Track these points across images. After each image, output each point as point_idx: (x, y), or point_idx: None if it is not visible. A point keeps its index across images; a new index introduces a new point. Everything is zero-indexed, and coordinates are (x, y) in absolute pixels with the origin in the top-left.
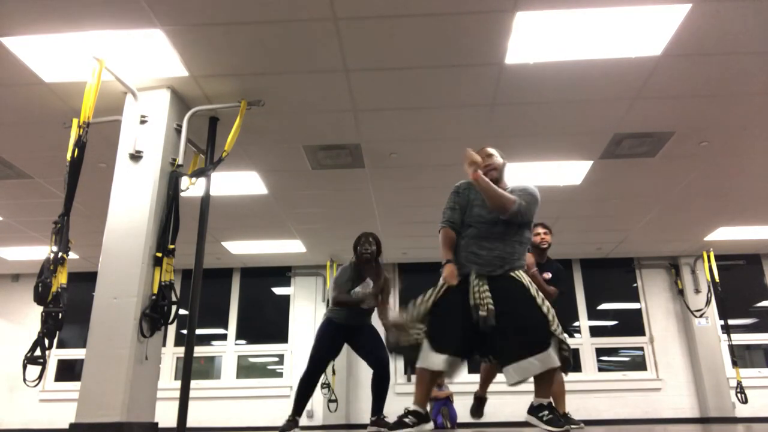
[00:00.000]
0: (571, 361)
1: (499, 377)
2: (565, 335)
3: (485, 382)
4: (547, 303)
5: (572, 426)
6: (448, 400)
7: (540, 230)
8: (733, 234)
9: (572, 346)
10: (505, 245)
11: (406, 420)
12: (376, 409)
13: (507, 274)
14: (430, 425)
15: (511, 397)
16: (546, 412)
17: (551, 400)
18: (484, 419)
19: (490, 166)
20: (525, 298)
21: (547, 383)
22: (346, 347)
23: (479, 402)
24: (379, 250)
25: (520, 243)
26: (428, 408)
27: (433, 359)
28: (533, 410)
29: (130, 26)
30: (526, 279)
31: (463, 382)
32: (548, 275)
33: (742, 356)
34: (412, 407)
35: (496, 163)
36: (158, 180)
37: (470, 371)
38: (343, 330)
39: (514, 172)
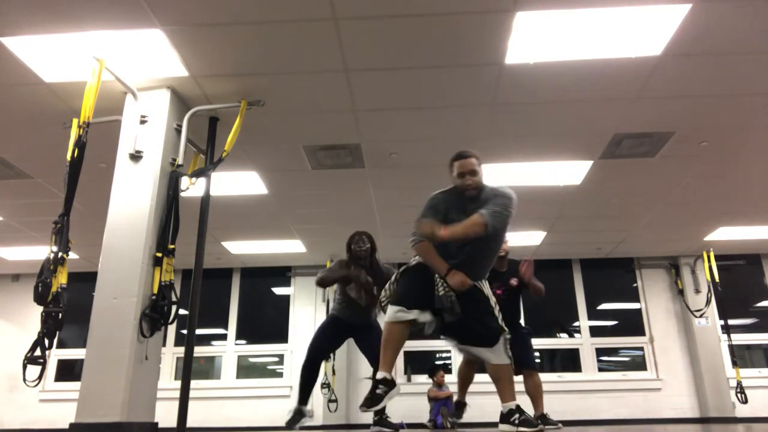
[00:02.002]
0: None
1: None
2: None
3: (463, 387)
4: (498, 314)
5: (549, 426)
6: (448, 400)
7: None
8: (733, 234)
9: (572, 346)
10: (475, 260)
11: (379, 391)
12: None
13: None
14: (398, 389)
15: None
16: (517, 416)
17: (517, 402)
18: (484, 419)
19: (471, 185)
20: (485, 310)
21: (508, 386)
22: (347, 345)
23: (459, 406)
24: (374, 248)
25: (490, 251)
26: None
27: (401, 314)
28: (504, 417)
29: (130, 26)
30: (486, 290)
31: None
32: (515, 281)
33: (742, 356)
34: (380, 375)
35: (476, 182)
36: (158, 180)
37: None
38: (346, 326)
39: (515, 172)
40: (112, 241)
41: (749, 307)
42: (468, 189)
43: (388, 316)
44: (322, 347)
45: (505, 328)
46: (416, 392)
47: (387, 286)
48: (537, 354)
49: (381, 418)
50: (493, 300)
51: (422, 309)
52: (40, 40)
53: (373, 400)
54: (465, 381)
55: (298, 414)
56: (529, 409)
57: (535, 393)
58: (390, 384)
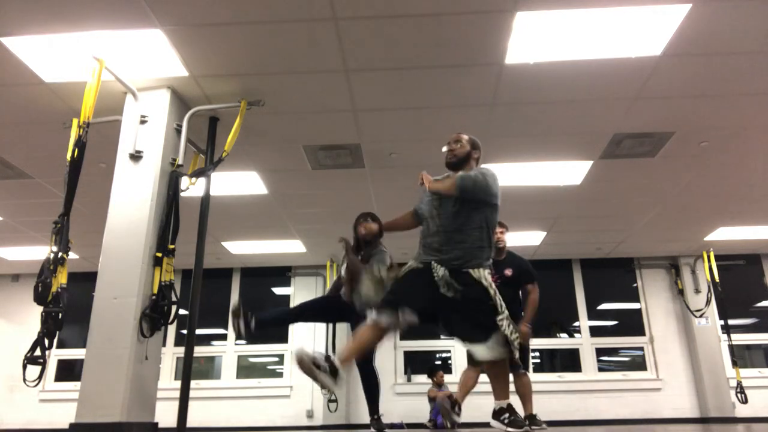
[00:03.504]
0: (517, 359)
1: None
2: (512, 333)
3: (462, 389)
4: (500, 305)
5: (535, 427)
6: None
7: (496, 229)
8: (733, 234)
9: (572, 346)
10: (447, 232)
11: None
12: (372, 409)
13: (465, 270)
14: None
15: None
16: (507, 415)
17: (509, 401)
18: (485, 419)
19: (453, 151)
20: (482, 298)
21: (503, 384)
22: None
23: (453, 403)
24: (381, 232)
25: (461, 225)
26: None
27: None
28: (495, 414)
29: (130, 26)
30: (485, 281)
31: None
32: (509, 272)
33: (742, 356)
34: (335, 359)
35: (457, 151)
36: (158, 180)
37: None
38: (342, 303)
39: (515, 172)
40: (112, 241)
41: (749, 307)
42: (451, 155)
43: (378, 314)
44: (316, 307)
45: (501, 324)
46: (416, 392)
47: (377, 268)
48: (537, 354)
49: (373, 419)
50: (492, 291)
51: (400, 308)
52: (40, 40)
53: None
54: (464, 385)
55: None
56: (520, 408)
57: (524, 392)
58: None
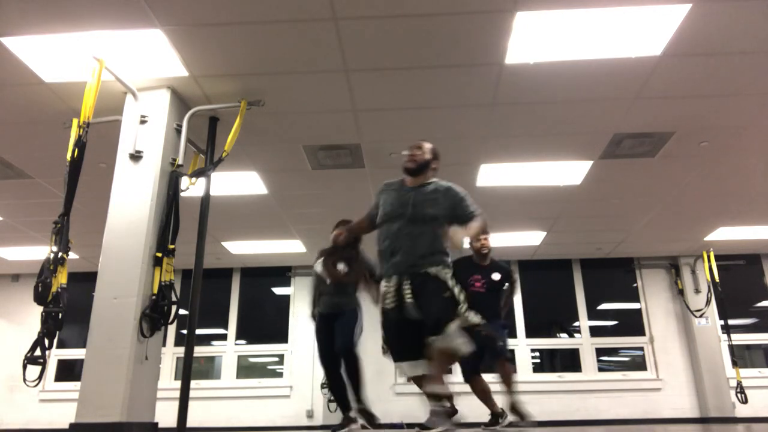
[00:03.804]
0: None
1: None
2: (472, 319)
3: (486, 399)
4: (459, 296)
5: (489, 427)
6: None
7: (480, 236)
8: (733, 234)
9: (572, 346)
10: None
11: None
12: (355, 397)
13: (424, 270)
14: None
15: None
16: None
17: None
18: (485, 419)
19: (414, 157)
20: (439, 293)
21: (440, 370)
22: None
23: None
24: (357, 238)
25: (433, 241)
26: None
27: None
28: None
29: (130, 26)
30: (443, 276)
31: (464, 382)
32: (497, 276)
33: (742, 356)
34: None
35: (418, 157)
36: (158, 180)
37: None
38: (326, 318)
39: (514, 172)
40: (112, 241)
41: (749, 307)
42: (410, 159)
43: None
44: (324, 351)
45: (457, 316)
46: (416, 392)
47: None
48: (537, 354)
49: (359, 408)
50: (450, 284)
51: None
52: (40, 40)
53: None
54: (483, 392)
55: (345, 420)
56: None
57: (507, 381)
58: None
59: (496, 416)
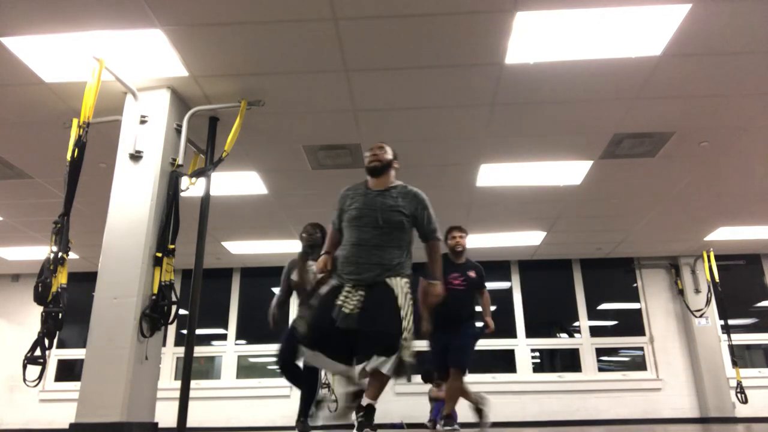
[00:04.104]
0: (410, 370)
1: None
2: (412, 345)
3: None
4: (408, 314)
5: (446, 428)
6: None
7: (456, 234)
8: (733, 234)
9: (572, 346)
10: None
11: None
12: (303, 410)
13: (382, 280)
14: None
15: (511, 398)
16: (361, 414)
17: (374, 402)
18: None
19: (377, 156)
20: (390, 307)
21: (378, 388)
22: None
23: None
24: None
25: (398, 247)
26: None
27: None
28: (358, 408)
29: (130, 26)
30: (399, 287)
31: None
32: (473, 273)
33: (742, 356)
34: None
35: (381, 156)
36: (158, 180)
37: (470, 371)
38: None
39: (514, 172)
40: (112, 241)
41: (749, 307)
42: (373, 159)
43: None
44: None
45: (405, 343)
46: (416, 392)
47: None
48: (537, 354)
49: (299, 420)
50: (401, 301)
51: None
52: (40, 40)
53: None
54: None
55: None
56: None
57: (452, 395)
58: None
59: (446, 418)
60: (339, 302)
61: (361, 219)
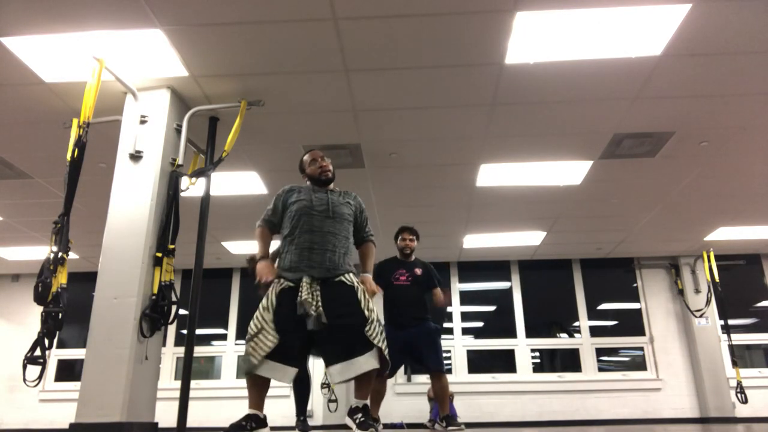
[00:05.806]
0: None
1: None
2: (382, 339)
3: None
4: (371, 307)
5: (452, 428)
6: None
7: (406, 236)
8: (733, 234)
9: (572, 346)
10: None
11: (244, 423)
12: (300, 410)
13: (338, 277)
14: (267, 429)
15: (511, 398)
16: (360, 415)
17: (368, 402)
18: (485, 419)
19: (327, 167)
20: (351, 302)
21: (366, 385)
22: None
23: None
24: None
25: (346, 238)
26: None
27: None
28: (351, 412)
29: (130, 26)
30: (353, 282)
31: (464, 382)
32: (419, 270)
33: (742, 356)
34: (250, 411)
35: (330, 166)
36: (158, 180)
37: (470, 371)
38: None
39: (514, 172)
40: (112, 241)
41: (749, 307)
42: (325, 170)
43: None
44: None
45: (374, 333)
46: (416, 392)
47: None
48: (537, 354)
49: (299, 420)
50: (361, 294)
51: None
52: (40, 40)
53: (235, 428)
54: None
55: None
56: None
57: (441, 395)
58: (259, 421)
59: (446, 419)
60: (301, 300)
61: (313, 208)
